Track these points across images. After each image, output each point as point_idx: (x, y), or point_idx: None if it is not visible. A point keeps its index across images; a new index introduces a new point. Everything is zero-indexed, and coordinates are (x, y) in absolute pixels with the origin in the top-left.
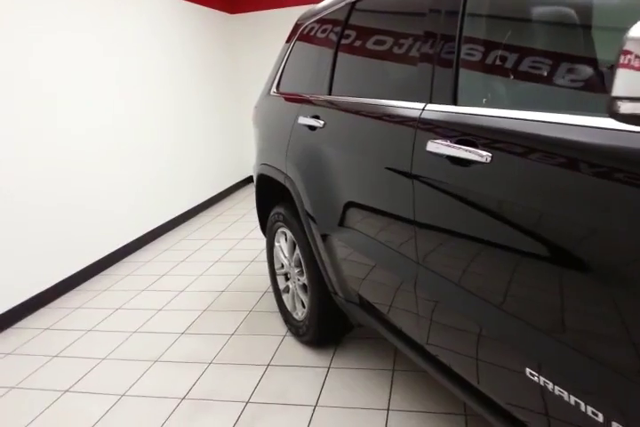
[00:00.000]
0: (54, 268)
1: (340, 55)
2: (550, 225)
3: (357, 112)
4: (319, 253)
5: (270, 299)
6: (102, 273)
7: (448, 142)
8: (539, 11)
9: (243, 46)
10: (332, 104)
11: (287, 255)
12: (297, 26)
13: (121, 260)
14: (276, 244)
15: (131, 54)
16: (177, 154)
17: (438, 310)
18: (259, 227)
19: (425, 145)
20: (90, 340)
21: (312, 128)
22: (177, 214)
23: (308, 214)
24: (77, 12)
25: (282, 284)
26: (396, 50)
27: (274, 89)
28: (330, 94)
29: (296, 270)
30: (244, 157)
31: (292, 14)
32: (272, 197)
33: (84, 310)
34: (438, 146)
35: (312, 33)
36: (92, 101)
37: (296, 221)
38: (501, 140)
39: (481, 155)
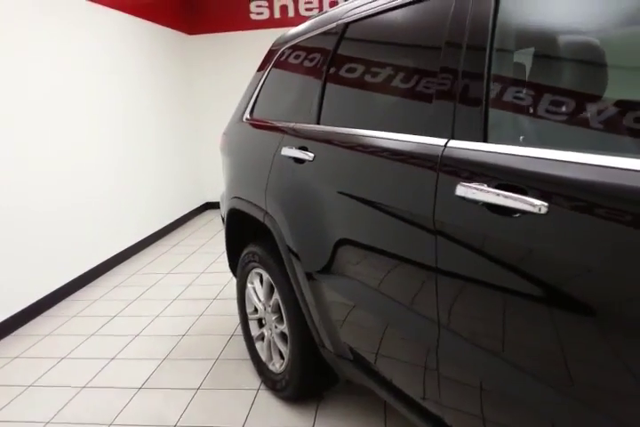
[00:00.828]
0: None
1: (330, 82)
2: (612, 287)
3: (356, 146)
4: (304, 299)
5: (239, 343)
6: (44, 314)
7: (486, 187)
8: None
9: (200, 68)
10: (323, 135)
11: (263, 299)
12: (272, 51)
13: (65, 298)
14: (249, 285)
15: (80, 74)
16: (129, 178)
17: (464, 376)
18: (220, 259)
19: (453, 188)
20: (28, 401)
21: (299, 161)
22: (128, 245)
23: (292, 254)
24: (23, 32)
25: (255, 330)
26: (397, 81)
27: (247, 115)
28: (318, 123)
29: (273, 317)
30: (201, 181)
31: (252, 37)
32: (244, 233)
33: (23, 361)
34: (473, 191)
35: (292, 58)
36: (38, 123)
37: (275, 262)
38: (560, 190)
39: (533, 204)
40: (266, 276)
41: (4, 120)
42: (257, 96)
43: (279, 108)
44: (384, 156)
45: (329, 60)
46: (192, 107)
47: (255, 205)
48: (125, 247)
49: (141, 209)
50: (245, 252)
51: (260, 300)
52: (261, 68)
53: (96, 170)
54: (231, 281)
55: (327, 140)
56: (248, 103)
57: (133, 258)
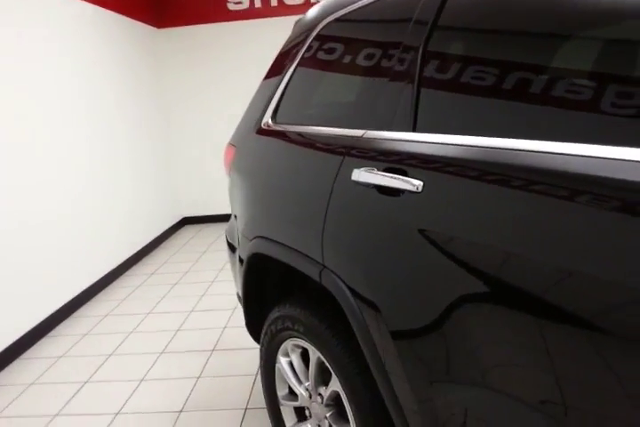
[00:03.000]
0: None
1: (432, 68)
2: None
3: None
4: (397, 406)
5: (257, 422)
6: None
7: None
8: None
9: (171, 65)
10: (439, 152)
11: (308, 383)
12: (303, 31)
13: (19, 357)
14: (283, 359)
15: (35, 72)
16: (94, 195)
17: None
18: (210, 290)
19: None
20: None
21: (390, 192)
22: (95, 279)
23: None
24: None
25: (290, 421)
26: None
27: (267, 120)
28: (414, 130)
29: (328, 412)
30: (177, 194)
31: (230, 30)
32: (268, 286)
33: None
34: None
35: (343, 37)
36: None
37: (335, 337)
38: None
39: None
40: (315, 354)
41: None
42: (281, 95)
43: (323, 111)
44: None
45: (427, 33)
46: (163, 108)
47: (302, 254)
48: (92, 282)
49: (113, 231)
50: (276, 315)
51: (300, 382)
52: (283, 57)
53: (55, 185)
54: (231, 321)
55: (451, 160)
56: (267, 105)
57: (101, 295)
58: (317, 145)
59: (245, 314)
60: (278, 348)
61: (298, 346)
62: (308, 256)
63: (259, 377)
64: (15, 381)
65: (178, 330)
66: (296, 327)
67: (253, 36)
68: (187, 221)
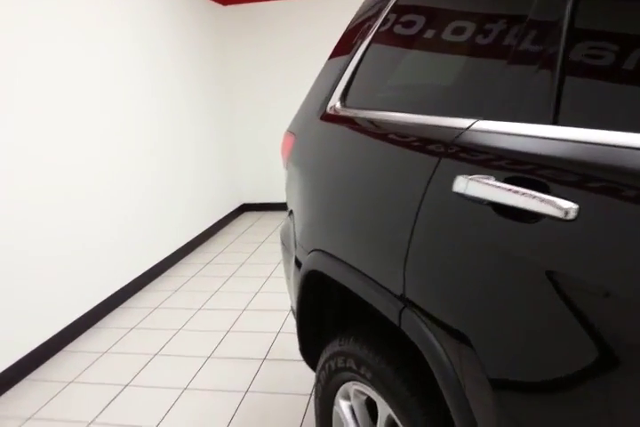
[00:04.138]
0: None
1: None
2: None
3: None
4: None
5: None
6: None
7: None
8: None
9: (236, 43)
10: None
11: None
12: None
13: (63, 349)
14: (343, 402)
15: (95, 53)
16: (158, 182)
17: None
18: (266, 287)
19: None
20: None
21: (517, 214)
22: (149, 267)
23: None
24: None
25: None
26: None
27: (335, 104)
28: (556, 123)
29: None
30: (237, 180)
31: (294, 7)
32: (329, 307)
33: None
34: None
35: (432, 12)
36: (33, 122)
37: (410, 394)
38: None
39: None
40: (385, 410)
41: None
42: (352, 75)
43: (406, 94)
44: None
45: (571, 6)
46: (227, 91)
47: (374, 282)
48: (145, 269)
49: (172, 218)
50: (336, 349)
51: None
52: (353, 33)
53: (131, 176)
54: (285, 325)
55: (630, 174)
56: (334, 86)
57: (155, 283)
58: (400, 138)
59: (300, 338)
60: (337, 388)
61: (362, 393)
62: (382, 286)
63: (312, 399)
64: (53, 377)
65: (228, 331)
66: (362, 371)
67: (321, 14)
68: (246, 208)
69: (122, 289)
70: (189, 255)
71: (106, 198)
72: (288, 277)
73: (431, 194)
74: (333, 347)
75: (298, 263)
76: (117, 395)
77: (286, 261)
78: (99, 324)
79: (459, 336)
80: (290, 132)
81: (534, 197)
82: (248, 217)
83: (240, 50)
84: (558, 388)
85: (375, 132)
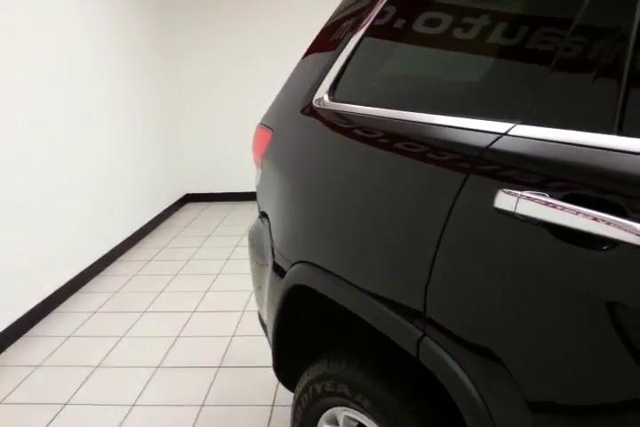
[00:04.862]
0: None
1: None
2: None
3: None
4: None
5: None
6: None
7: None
8: None
9: (182, 21)
10: None
11: None
12: None
13: None
14: None
15: (30, 33)
16: (95, 172)
17: None
18: (214, 286)
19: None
20: None
21: (579, 238)
22: (84, 268)
23: None
24: None
25: None
26: None
27: (322, 97)
28: (622, 132)
29: None
30: (181, 168)
31: None
32: (311, 321)
33: None
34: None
35: (441, 8)
36: None
37: (415, 421)
38: None
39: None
40: None
41: None
42: (343, 67)
43: (419, 89)
44: None
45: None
46: (175, 77)
47: (386, 303)
48: (80, 270)
49: (116, 208)
50: (324, 371)
51: None
52: (338, 25)
53: (55, 154)
54: (240, 328)
55: None
56: (320, 78)
57: (89, 286)
58: (413, 140)
59: (275, 356)
60: (322, 412)
61: (354, 420)
62: (395, 310)
63: (275, 410)
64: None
65: (177, 337)
66: (357, 399)
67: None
68: (189, 199)
69: (53, 294)
70: (129, 252)
71: (37, 190)
72: (259, 287)
73: (462, 208)
74: (320, 369)
75: (279, 272)
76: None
77: (257, 269)
78: (30, 332)
79: (494, 363)
80: (265, 126)
81: (608, 221)
82: (191, 208)
83: (186, 29)
84: (602, 411)
85: (380, 131)
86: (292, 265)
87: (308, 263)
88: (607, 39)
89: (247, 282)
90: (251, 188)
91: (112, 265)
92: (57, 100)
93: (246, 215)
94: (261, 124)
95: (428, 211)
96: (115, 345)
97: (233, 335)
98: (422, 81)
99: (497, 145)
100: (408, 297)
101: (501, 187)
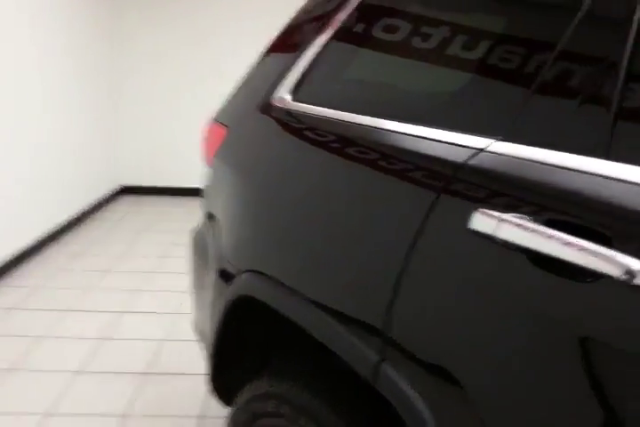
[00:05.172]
0: None
1: None
2: None
3: None
4: None
5: None
6: None
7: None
8: None
9: (132, 15)
10: None
11: None
12: None
13: None
14: None
15: None
16: (14, 151)
17: None
18: (147, 285)
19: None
20: None
21: (560, 268)
22: (6, 258)
23: None
24: None
25: None
26: None
27: (282, 96)
28: (609, 156)
29: None
30: (116, 158)
31: None
32: (251, 331)
33: None
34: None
35: (414, 19)
36: None
37: None
38: None
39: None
40: None
41: None
42: (312, 62)
43: (386, 94)
44: None
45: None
46: (116, 59)
47: (339, 321)
48: None
49: (41, 197)
50: (265, 390)
51: None
52: (301, 26)
53: None
54: (173, 331)
55: None
56: (281, 76)
57: (4, 280)
58: (380, 148)
59: (212, 367)
60: None
61: None
62: (352, 330)
63: (202, 421)
64: None
65: (101, 339)
66: (300, 422)
67: None
68: (125, 191)
69: None
70: (54, 244)
71: None
72: (198, 292)
73: (433, 227)
74: (262, 386)
75: (224, 279)
76: None
77: (198, 273)
78: None
79: (457, 392)
80: (219, 122)
81: (593, 251)
82: (126, 201)
83: (133, 10)
84: None
85: (346, 138)
86: (240, 273)
87: (258, 272)
88: (596, 66)
89: (182, 282)
90: (190, 183)
91: (34, 258)
92: None
93: (184, 212)
94: (215, 120)
95: (396, 227)
96: (29, 346)
97: (163, 339)
98: (393, 87)
99: (474, 161)
100: (368, 316)
101: (477, 207)
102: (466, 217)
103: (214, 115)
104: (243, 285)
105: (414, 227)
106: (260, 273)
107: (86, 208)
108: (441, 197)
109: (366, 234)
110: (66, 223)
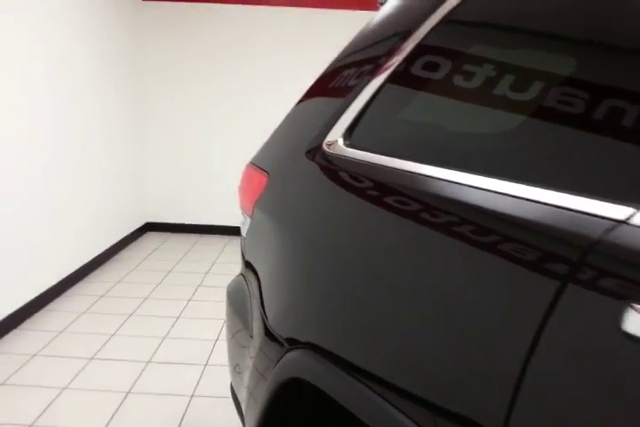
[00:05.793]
0: None
1: None
2: None
3: None
4: None
5: None
6: None
7: None
8: None
9: (156, 42)
10: None
11: None
12: (402, 31)
13: None
14: None
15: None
16: (53, 190)
17: None
18: (173, 332)
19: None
20: None
21: None
22: (21, 304)
23: None
24: None
25: None
26: None
27: (336, 140)
28: None
29: None
30: (142, 195)
31: (218, 12)
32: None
33: None
34: None
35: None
36: None
37: None
38: None
39: None
40: None
41: None
42: (365, 106)
43: (463, 144)
44: None
45: None
46: (141, 95)
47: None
48: (19, 307)
49: (68, 235)
50: None
51: None
52: (350, 67)
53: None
54: (200, 386)
55: None
56: (333, 119)
57: (28, 324)
58: (466, 215)
59: None
60: None
61: None
62: None
63: None
64: None
65: (128, 392)
66: None
67: (250, 24)
68: (150, 228)
69: None
70: (78, 285)
71: None
72: (237, 364)
73: (560, 327)
74: None
75: (270, 351)
76: None
77: (235, 336)
78: None
79: None
80: (258, 167)
81: None
82: (152, 239)
83: (160, 51)
84: None
85: (419, 193)
86: (291, 350)
87: (311, 349)
88: None
89: (212, 329)
90: (217, 221)
91: (57, 300)
92: (24, 119)
93: (211, 250)
94: (253, 164)
95: (508, 322)
96: (49, 399)
97: (192, 395)
98: (471, 135)
99: (613, 237)
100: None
101: (632, 302)
102: (614, 316)
103: (252, 159)
104: (294, 365)
105: (534, 324)
106: (315, 349)
107: (111, 247)
108: (567, 285)
109: (464, 324)
110: (90, 264)
